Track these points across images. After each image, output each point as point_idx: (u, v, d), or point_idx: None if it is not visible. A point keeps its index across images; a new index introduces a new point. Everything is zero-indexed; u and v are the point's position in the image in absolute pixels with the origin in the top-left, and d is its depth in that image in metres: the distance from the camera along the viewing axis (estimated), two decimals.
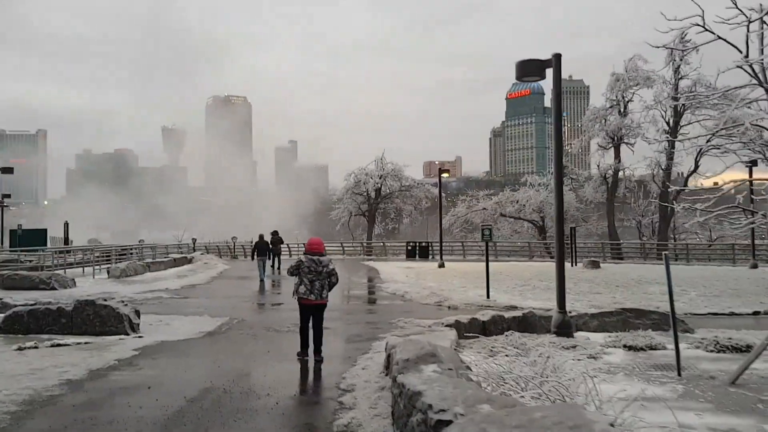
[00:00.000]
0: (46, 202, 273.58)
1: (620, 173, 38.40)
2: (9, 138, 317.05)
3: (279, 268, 27.55)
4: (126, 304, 11.38)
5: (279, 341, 10.73)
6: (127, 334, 10.93)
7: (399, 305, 16.61)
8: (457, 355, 6.16)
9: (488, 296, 17.55)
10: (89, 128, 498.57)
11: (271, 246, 26.45)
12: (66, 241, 44.02)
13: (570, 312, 11.03)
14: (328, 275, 8.81)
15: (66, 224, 46.15)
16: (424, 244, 37.62)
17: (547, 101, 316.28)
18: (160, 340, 10.52)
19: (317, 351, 8.88)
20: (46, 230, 34.56)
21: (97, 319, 11.03)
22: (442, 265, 27.91)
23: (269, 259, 25.93)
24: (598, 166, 38.85)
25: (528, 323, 10.74)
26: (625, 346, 9.03)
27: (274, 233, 28.39)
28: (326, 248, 31.00)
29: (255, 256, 24.78)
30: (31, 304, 11.71)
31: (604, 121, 38.09)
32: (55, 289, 20.48)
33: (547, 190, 40.85)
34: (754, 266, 26.09)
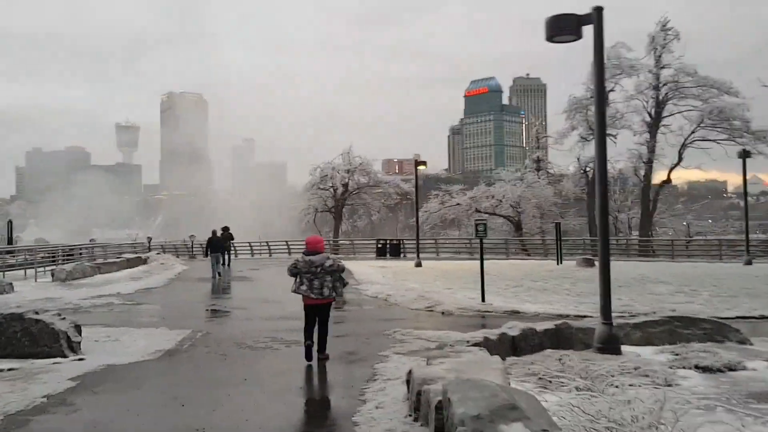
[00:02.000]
0: None
1: None
2: None
3: (229, 265, 26.99)
4: (63, 318, 9.16)
5: (256, 363, 8.69)
6: (65, 356, 8.73)
7: (386, 311, 14.68)
8: (541, 406, 4.26)
9: (483, 299, 15.78)
10: (39, 125, 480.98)
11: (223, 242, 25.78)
12: (9, 240, 40.69)
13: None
14: (329, 272, 8.52)
15: (9, 223, 42.74)
16: (395, 241, 35.78)
17: (505, 99, 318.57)
18: (105, 364, 8.36)
19: (321, 349, 8.68)
20: None
21: (26, 338, 8.80)
22: (419, 264, 26.10)
23: (222, 256, 25.34)
24: (578, 159, 37.67)
25: (563, 337, 8.94)
26: (697, 366, 7.29)
27: (225, 229, 27.50)
28: (290, 246, 28.83)
29: (209, 253, 23.89)
30: None
31: (585, 111, 36.80)
32: None
33: (524, 183, 39.46)
34: (749, 263, 25.02)
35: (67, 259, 29.51)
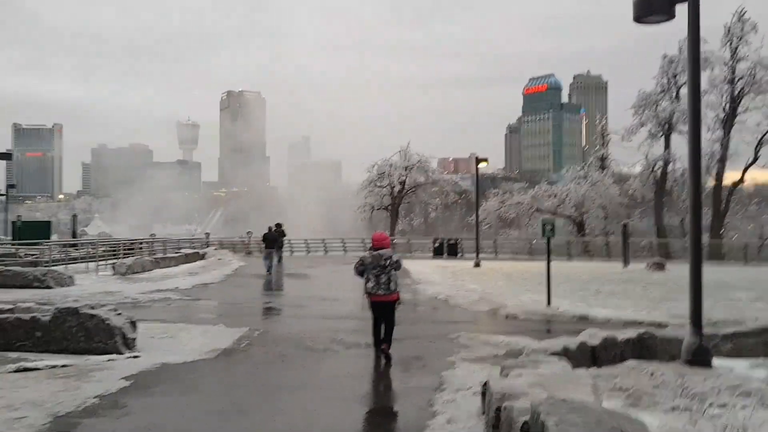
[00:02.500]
0: (61, 196, 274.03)
1: (669, 165, 35.58)
2: (25, 132, 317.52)
3: (280, 261, 26.46)
4: (119, 313, 8.89)
5: (316, 366, 8.20)
6: (120, 353, 8.45)
7: (446, 313, 14.05)
8: None
9: (549, 303, 14.95)
10: (105, 122, 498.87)
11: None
12: (74, 234, 41.92)
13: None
14: (395, 267, 8.63)
15: (74, 217, 44.12)
16: (452, 241, 34.96)
17: (565, 96, 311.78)
18: (161, 363, 8.02)
19: (387, 341, 8.61)
20: (49, 223, 32.32)
21: (81, 333, 8.57)
22: (478, 264, 25.30)
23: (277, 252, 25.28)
24: (646, 156, 35.97)
25: (645, 347, 8.11)
26: None
27: (278, 226, 26.85)
28: (346, 243, 28.64)
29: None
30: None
31: (655, 106, 35.17)
32: (51, 287, 18.11)
33: (588, 182, 37.99)
34: None
35: (128, 253, 29.95)
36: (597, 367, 7.79)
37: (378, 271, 8.48)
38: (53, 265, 24.28)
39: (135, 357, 8.38)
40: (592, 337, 8.02)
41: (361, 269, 8.67)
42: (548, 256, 15.52)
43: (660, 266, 21.92)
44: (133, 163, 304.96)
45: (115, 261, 23.94)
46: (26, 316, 8.72)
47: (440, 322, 12.66)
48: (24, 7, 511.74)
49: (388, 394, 7.20)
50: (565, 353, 7.22)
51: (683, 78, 34.72)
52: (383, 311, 8.61)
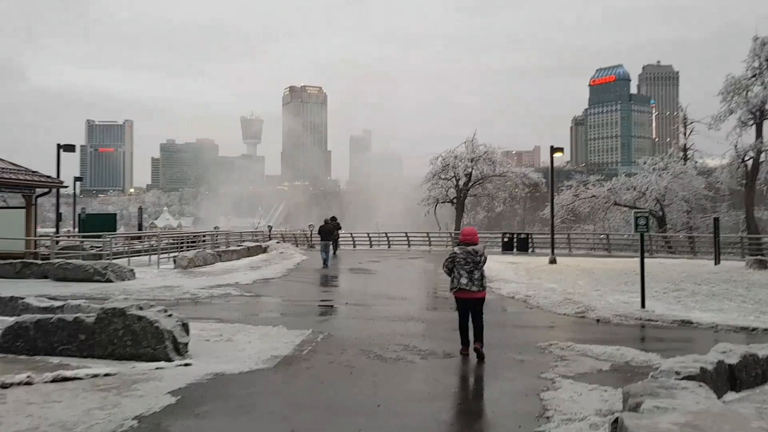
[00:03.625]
0: (131, 190, 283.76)
1: (762, 155, 32.68)
2: (98, 128, 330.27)
3: (335, 253, 27.12)
4: (170, 315, 7.97)
5: (389, 381, 7.03)
6: (170, 360, 7.52)
7: (529, 316, 12.67)
8: None
9: (643, 305, 13.36)
10: (173, 118, 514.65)
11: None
12: (140, 227, 42.35)
13: None
14: (484, 263, 8.45)
15: (140, 210, 44.61)
16: (523, 235, 33.24)
17: (633, 87, 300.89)
18: (213, 373, 7.04)
19: (478, 339, 8.30)
20: (114, 215, 32.43)
21: (128, 336, 7.68)
22: (554, 261, 23.63)
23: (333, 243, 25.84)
24: (735, 146, 33.15)
25: None
26: None
27: (333, 219, 27.90)
28: (410, 238, 27.60)
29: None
30: (45, 311, 8.52)
31: (745, 93, 32.40)
32: (111, 281, 17.68)
33: (670, 174, 35.41)
34: None
35: (191, 246, 29.71)
36: (736, 391, 6.37)
37: (471, 267, 8.25)
38: (115, 258, 24.15)
39: (186, 365, 7.43)
40: (729, 354, 6.54)
41: (452, 266, 8.35)
42: (642, 253, 13.91)
43: (762, 264, 19.77)
44: (199, 157, 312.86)
45: (176, 254, 23.51)
46: (69, 317, 7.90)
47: (523, 326, 11.32)
48: (94, 2, 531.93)
49: (479, 423, 5.95)
50: (702, 376, 5.79)
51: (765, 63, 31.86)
52: (474, 308, 8.37)
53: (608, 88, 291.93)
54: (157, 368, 7.22)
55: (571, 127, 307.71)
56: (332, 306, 13.72)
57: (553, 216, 25.53)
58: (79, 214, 29.48)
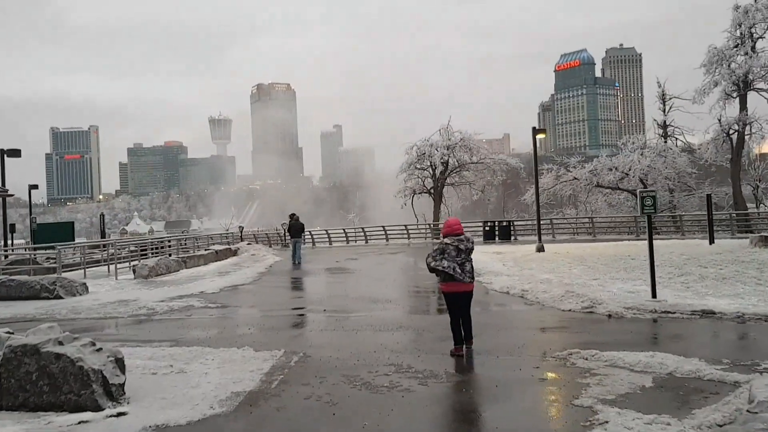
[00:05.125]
0: (100, 197, 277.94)
1: (747, 128, 31.65)
2: (63, 135, 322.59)
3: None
4: (99, 349, 6.29)
5: (384, 423, 5.44)
6: (99, 408, 5.85)
7: (532, 315, 11.18)
8: None
9: (654, 294, 11.99)
10: (139, 122, 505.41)
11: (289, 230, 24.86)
12: (102, 234, 40.13)
13: None
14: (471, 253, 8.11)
15: (102, 216, 42.35)
16: (504, 223, 31.86)
17: (598, 71, 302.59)
18: (154, 425, 5.42)
19: (468, 338, 8.09)
20: (72, 224, 30.14)
21: (44, 380, 6.00)
22: (541, 249, 22.24)
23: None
24: (719, 119, 32.01)
25: None
26: None
27: (292, 216, 25.10)
28: (388, 232, 26.17)
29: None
30: None
31: (728, 64, 31.30)
32: (61, 297, 15.85)
33: (653, 152, 34.25)
34: None
35: (157, 253, 27.84)
36: None
37: (463, 257, 7.91)
38: (72, 270, 22.24)
39: (119, 415, 5.77)
40: None
41: (441, 258, 7.84)
42: (650, 237, 12.53)
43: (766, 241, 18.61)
44: (168, 160, 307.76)
45: (136, 263, 21.64)
46: None
47: (529, 329, 9.81)
48: (50, 6, 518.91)
49: None
50: None
51: (761, 29, 30.79)
52: (464, 302, 8.03)
53: (573, 73, 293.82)
54: (80, 422, 5.56)
55: (539, 114, 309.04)
56: (308, 315, 12.08)
57: (538, 201, 24.11)
58: (31, 225, 27.33)
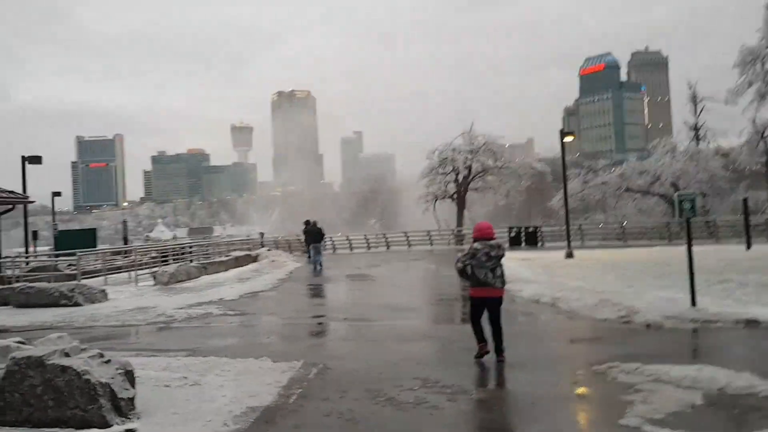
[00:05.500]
0: (125, 204, 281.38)
1: None
2: (88, 144, 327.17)
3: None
4: (107, 361, 5.92)
5: None
6: (106, 424, 5.48)
7: (565, 324, 10.65)
8: None
9: (694, 303, 11.35)
10: (162, 129, 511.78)
11: (306, 236, 26.15)
12: (125, 241, 40.26)
13: None
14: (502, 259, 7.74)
15: (124, 223, 42.54)
16: (531, 229, 31.22)
17: (623, 75, 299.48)
18: None
19: (499, 350, 7.58)
20: (94, 230, 30.19)
21: (49, 395, 5.63)
22: (570, 255, 21.60)
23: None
24: (753, 121, 31.09)
25: None
26: None
27: (307, 222, 26.50)
28: (410, 238, 25.74)
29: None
30: None
31: (761, 63, 30.34)
32: (80, 304, 15.56)
33: (685, 155, 33.35)
34: None
35: (178, 259, 27.71)
36: None
37: (493, 263, 7.62)
38: (92, 277, 22.09)
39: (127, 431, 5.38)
40: None
41: (468, 263, 7.57)
42: (689, 243, 11.88)
43: None
44: (191, 168, 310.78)
45: (156, 269, 21.42)
46: None
47: (564, 339, 9.30)
48: (75, 17, 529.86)
49: None
50: None
51: None
52: (493, 308, 7.67)
53: (598, 77, 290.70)
54: None
55: (563, 118, 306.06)
56: (329, 323, 11.66)
57: (567, 205, 23.45)
58: (53, 232, 27.35)
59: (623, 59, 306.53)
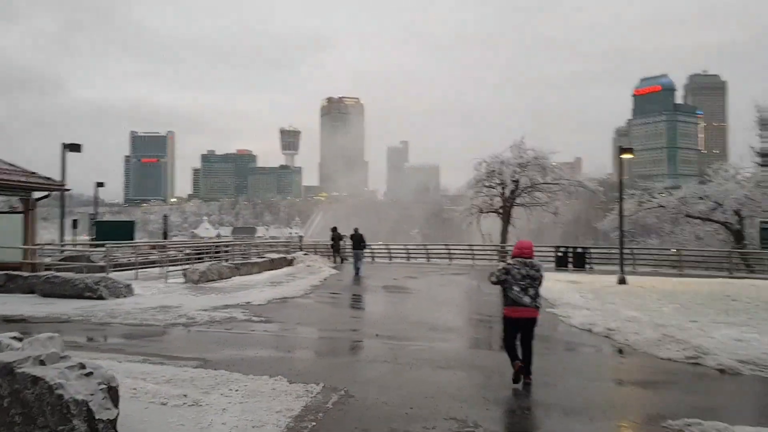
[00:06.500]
0: (173, 200, 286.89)
1: None
2: (141, 139, 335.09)
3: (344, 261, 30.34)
4: (89, 373, 5.02)
5: None
6: None
7: (622, 362, 9.40)
8: None
9: None
10: (213, 129, 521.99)
11: (332, 242, 30.10)
12: (165, 236, 40.12)
13: None
14: (539, 281, 7.49)
15: (165, 218, 42.41)
16: (579, 250, 29.62)
17: (679, 98, 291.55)
18: None
19: (527, 371, 7.40)
20: (132, 223, 29.86)
21: (16, 409, 4.76)
22: (623, 281, 20.09)
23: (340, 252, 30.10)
24: None
25: None
26: None
27: (334, 229, 30.62)
28: (452, 251, 24.59)
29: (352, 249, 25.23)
30: None
31: None
32: (104, 298, 15.06)
33: (751, 182, 31.25)
34: None
35: (214, 257, 27.18)
36: None
37: (527, 282, 7.42)
38: (124, 270, 21.64)
39: None
40: None
41: (503, 279, 7.46)
42: None
43: None
44: (238, 168, 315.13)
45: (188, 266, 20.80)
46: None
47: (624, 381, 8.06)
48: (133, 18, 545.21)
49: None
50: None
51: None
52: (526, 329, 7.48)
53: (653, 98, 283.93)
54: None
55: (614, 138, 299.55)
56: (356, 341, 10.63)
57: (622, 227, 21.94)
58: (91, 221, 27.06)
59: (679, 81, 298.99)
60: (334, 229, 30.79)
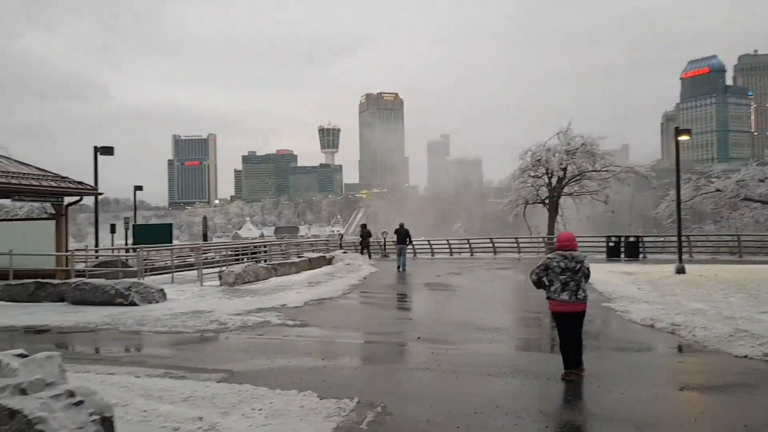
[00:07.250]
0: (216, 201, 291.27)
1: None
2: (183, 143, 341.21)
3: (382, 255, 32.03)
4: (80, 402, 4.30)
5: None
6: None
7: (694, 362, 8.34)
8: None
9: None
10: (253, 130, 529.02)
11: (361, 239, 30.70)
12: (204, 237, 40.06)
13: None
14: (584, 275, 7.18)
15: (204, 219, 42.35)
16: (632, 238, 28.17)
17: (729, 79, 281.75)
18: None
19: (577, 362, 7.20)
20: (170, 225, 29.72)
21: None
22: (681, 270, 18.74)
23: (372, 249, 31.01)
24: None
25: None
26: None
27: (363, 226, 32.05)
28: (496, 244, 23.55)
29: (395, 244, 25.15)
30: None
31: None
32: (136, 304, 14.58)
33: None
34: None
35: (252, 258, 26.79)
36: None
37: (568, 276, 7.13)
38: (160, 274, 21.34)
39: None
40: None
41: (543, 275, 7.27)
42: None
43: None
44: (279, 168, 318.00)
45: (222, 269, 20.30)
46: None
47: (699, 385, 7.04)
48: (172, 22, 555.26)
49: None
50: None
51: None
52: (572, 324, 7.20)
53: (702, 81, 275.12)
54: None
55: (662, 124, 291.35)
56: (397, 344, 9.80)
57: (679, 212, 20.52)
58: (126, 225, 26.92)
59: (729, 62, 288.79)
60: (364, 226, 32.17)
